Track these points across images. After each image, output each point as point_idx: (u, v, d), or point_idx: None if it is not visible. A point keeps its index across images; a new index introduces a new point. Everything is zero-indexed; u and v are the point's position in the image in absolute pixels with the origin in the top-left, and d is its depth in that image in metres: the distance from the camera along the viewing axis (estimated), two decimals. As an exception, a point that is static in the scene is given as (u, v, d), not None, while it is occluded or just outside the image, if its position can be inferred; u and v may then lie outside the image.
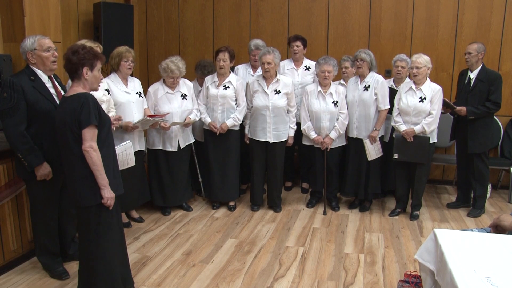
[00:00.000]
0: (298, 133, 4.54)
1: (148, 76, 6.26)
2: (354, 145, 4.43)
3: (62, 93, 3.08)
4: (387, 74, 5.21)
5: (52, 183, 3.06)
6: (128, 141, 3.64)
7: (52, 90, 3.06)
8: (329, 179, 4.51)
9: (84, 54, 2.58)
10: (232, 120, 4.37)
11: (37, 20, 3.88)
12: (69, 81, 3.37)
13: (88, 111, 2.49)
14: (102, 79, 2.76)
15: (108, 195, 2.58)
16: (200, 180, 4.85)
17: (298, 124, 4.51)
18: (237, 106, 4.42)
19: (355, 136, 4.39)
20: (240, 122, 4.45)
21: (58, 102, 2.98)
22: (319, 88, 4.34)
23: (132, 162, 3.62)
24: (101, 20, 5.06)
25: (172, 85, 4.23)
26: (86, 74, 2.60)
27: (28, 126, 2.92)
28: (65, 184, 2.95)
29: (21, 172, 3.04)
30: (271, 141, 4.35)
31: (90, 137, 2.50)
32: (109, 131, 2.69)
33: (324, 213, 4.47)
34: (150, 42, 6.26)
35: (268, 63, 4.19)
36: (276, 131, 4.34)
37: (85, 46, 2.64)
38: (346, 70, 4.65)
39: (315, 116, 4.37)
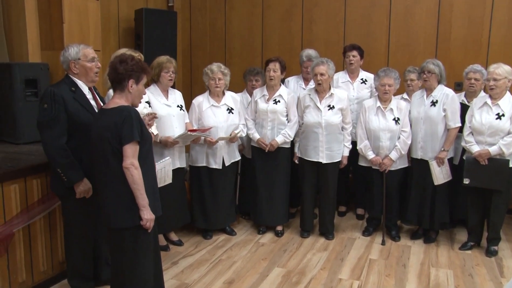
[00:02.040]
0: (354, 152, 4.47)
1: (192, 87, 6.36)
2: (418, 167, 4.29)
3: (102, 105, 3.13)
4: (457, 88, 5.03)
5: (90, 201, 3.09)
6: (168, 157, 3.69)
7: (92, 102, 3.13)
8: (389, 204, 4.39)
9: (132, 66, 2.62)
10: (283, 136, 4.35)
11: (76, 28, 4.01)
12: (109, 92, 3.46)
13: (131, 126, 2.51)
14: (144, 94, 2.79)
15: (147, 216, 2.58)
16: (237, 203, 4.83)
17: (354, 143, 4.44)
18: (288, 122, 4.39)
19: (419, 157, 4.26)
20: (291, 139, 4.42)
21: (99, 115, 3.03)
22: (378, 103, 4.27)
23: (169, 180, 3.66)
24: (142, 27, 5.20)
25: (216, 89, 4.23)
26: (131, 86, 2.64)
27: (68, 139, 2.98)
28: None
29: (57, 188, 3.10)
30: (324, 161, 4.29)
31: (131, 154, 2.52)
32: (150, 148, 2.71)
33: (383, 243, 4.34)
34: (194, 51, 6.37)
35: (321, 74, 4.16)
36: (329, 151, 4.29)
37: (133, 57, 2.69)
38: (412, 83, 4.55)
39: (373, 134, 4.29)
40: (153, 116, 3.31)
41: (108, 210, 2.62)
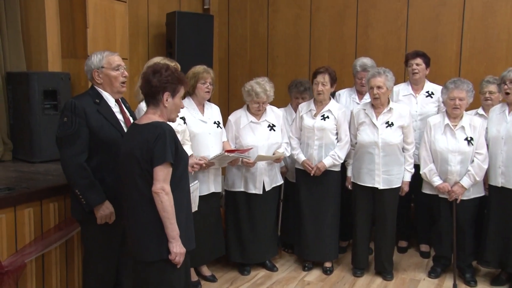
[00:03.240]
0: (416, 177, 4.36)
1: (229, 101, 6.41)
2: (498, 197, 4.10)
3: (131, 120, 3.15)
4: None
5: (113, 228, 3.09)
6: (196, 181, 3.68)
7: (119, 116, 3.15)
8: (460, 241, 4.21)
9: (167, 77, 2.66)
10: (331, 158, 4.29)
11: (101, 33, 4.08)
12: (140, 105, 3.48)
13: (164, 145, 2.53)
14: (182, 108, 2.82)
15: (177, 250, 2.58)
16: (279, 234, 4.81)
17: (417, 167, 4.34)
18: (337, 141, 4.34)
19: (499, 185, 4.07)
20: (341, 161, 4.38)
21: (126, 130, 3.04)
22: (447, 120, 4.17)
23: (195, 207, 3.64)
24: (175, 32, 5.29)
25: (257, 112, 4.29)
26: (166, 100, 2.67)
27: (89, 157, 3.00)
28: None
29: (76, 213, 3.11)
30: (380, 187, 4.23)
31: (163, 177, 2.53)
32: (184, 171, 2.72)
33: (454, 287, 4.15)
34: (232, 60, 6.43)
35: (378, 87, 4.12)
36: (386, 175, 4.21)
37: (169, 67, 2.73)
38: (492, 96, 4.40)
39: (440, 156, 4.17)
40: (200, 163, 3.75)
41: (134, 240, 2.64)
